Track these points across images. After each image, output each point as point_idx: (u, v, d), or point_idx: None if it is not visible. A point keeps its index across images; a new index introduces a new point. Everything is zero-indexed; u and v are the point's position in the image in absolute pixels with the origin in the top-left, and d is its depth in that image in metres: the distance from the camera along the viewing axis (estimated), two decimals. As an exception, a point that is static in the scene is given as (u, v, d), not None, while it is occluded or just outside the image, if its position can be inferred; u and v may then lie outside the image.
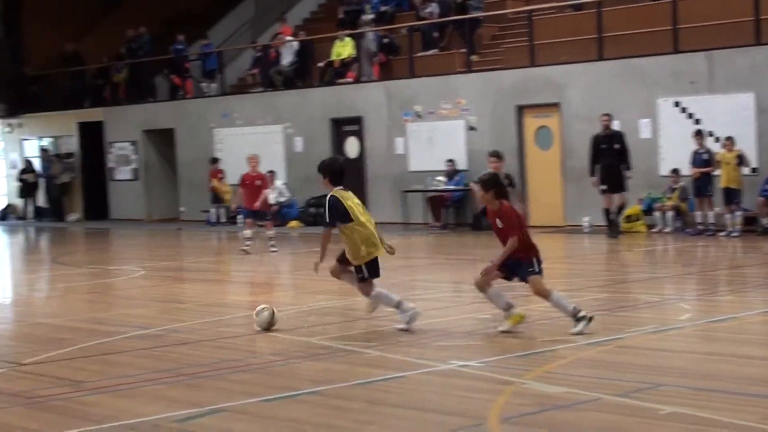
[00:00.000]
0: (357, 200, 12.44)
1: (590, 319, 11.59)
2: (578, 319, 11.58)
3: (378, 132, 29.55)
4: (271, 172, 29.16)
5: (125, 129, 36.31)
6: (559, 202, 26.25)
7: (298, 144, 31.23)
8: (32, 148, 40.02)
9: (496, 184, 12.04)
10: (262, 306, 12.86)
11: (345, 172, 12.61)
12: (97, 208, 37.31)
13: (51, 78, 39.73)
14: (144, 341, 12.45)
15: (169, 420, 8.55)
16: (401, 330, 12.20)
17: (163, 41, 36.87)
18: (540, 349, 10.87)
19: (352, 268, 12.37)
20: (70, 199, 38.30)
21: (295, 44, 32.45)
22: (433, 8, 30.35)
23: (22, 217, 39.12)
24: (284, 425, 8.32)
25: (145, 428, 8.34)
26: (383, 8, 32.38)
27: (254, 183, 22.93)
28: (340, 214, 12.20)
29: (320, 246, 12.48)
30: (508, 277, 11.94)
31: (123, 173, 36.59)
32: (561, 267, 20.02)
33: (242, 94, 33.96)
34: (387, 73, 30.45)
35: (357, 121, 30.13)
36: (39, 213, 38.81)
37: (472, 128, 27.54)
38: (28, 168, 39.04)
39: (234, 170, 32.19)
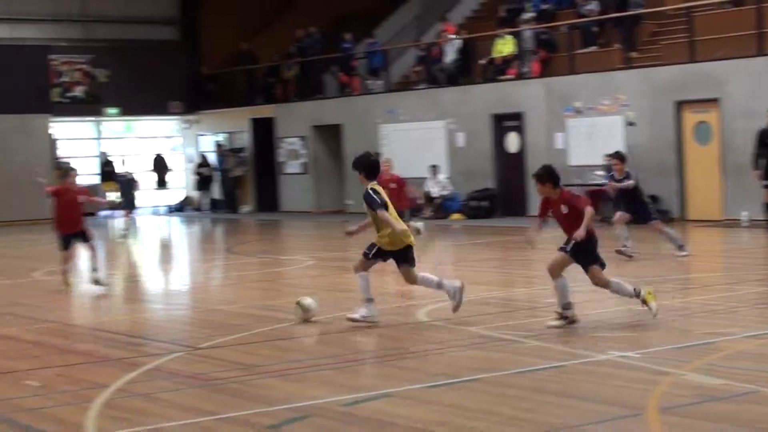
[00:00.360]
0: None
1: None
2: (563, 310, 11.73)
3: (538, 127, 29.35)
4: (434, 167, 29.24)
5: (295, 125, 36.79)
6: (717, 196, 25.68)
7: (460, 139, 31.22)
8: (208, 144, 40.86)
9: (551, 174, 11.96)
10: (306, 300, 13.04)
11: (378, 167, 12.87)
12: (268, 200, 37.89)
13: (226, 76, 40.53)
14: (312, 328, 12.61)
15: (337, 404, 8.65)
16: (350, 319, 12.36)
17: (331, 40, 37.24)
18: (698, 341, 10.67)
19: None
20: (243, 192, 38.97)
21: (458, 42, 32.45)
22: (593, 5, 29.99)
23: (198, 209, 39.94)
24: (446, 410, 8.34)
25: (314, 411, 8.46)
26: (544, 6, 32.15)
27: (389, 185, 22.64)
28: (383, 201, 12.29)
29: (388, 223, 12.29)
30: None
31: (292, 167, 37.09)
32: (719, 260, 19.66)
33: (406, 90, 34.05)
34: (547, 69, 30.22)
35: (518, 116, 29.98)
36: (214, 205, 39.58)
37: (631, 124, 27.15)
38: (204, 162, 39.86)
39: (397, 165, 32.39)
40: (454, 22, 35.00)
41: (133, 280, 19.95)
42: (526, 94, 29.65)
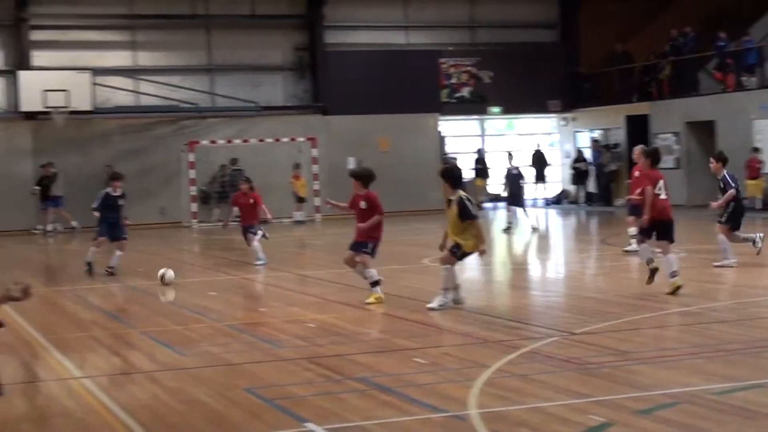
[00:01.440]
0: None
1: None
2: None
3: None
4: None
5: (668, 121, 36.02)
6: None
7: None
8: (584, 140, 40.71)
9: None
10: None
11: (461, 178, 13.74)
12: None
13: (602, 76, 40.22)
14: (684, 318, 12.34)
15: (708, 392, 8.41)
16: (429, 308, 13.31)
17: (705, 39, 36.25)
18: None
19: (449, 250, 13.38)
20: (617, 186, 38.52)
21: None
22: None
23: (575, 202, 39.88)
24: (820, 405, 7.93)
25: (685, 398, 8.25)
26: None
27: (634, 174, 21.12)
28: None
29: (479, 234, 13.34)
30: None
31: (666, 162, 36.22)
32: None
33: (783, 87, 32.65)
34: None
35: None
36: (589, 198, 39.39)
37: None
38: (580, 157, 39.76)
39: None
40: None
41: (515, 269, 20.14)
42: None
